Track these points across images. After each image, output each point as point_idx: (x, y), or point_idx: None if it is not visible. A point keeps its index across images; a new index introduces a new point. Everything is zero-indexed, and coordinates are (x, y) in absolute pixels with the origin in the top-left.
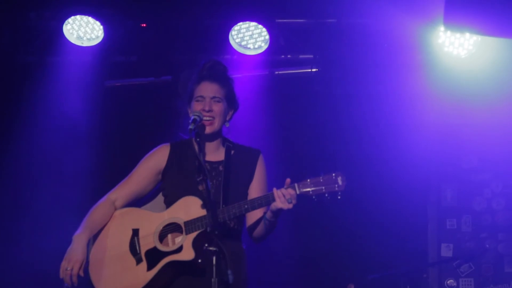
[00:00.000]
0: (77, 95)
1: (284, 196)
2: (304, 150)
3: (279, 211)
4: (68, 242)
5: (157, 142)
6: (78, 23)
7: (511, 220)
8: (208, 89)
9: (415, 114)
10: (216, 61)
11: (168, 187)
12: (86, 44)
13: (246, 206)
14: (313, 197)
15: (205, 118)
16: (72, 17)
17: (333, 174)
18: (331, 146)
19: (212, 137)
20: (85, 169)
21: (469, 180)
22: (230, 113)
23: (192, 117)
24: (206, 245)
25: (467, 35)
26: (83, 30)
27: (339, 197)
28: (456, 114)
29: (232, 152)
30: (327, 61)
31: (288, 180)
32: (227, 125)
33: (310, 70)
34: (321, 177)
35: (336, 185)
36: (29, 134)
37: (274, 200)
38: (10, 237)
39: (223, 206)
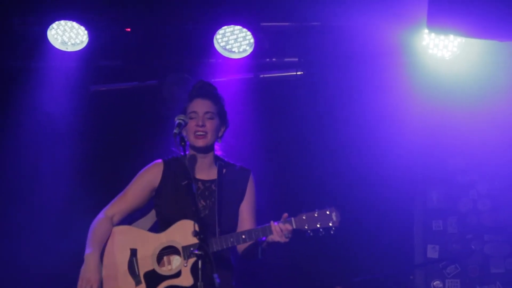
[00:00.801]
0: (62, 100)
1: (281, 230)
2: (290, 154)
3: (276, 243)
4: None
5: (143, 147)
6: (62, 28)
7: (497, 221)
8: (200, 105)
9: (400, 116)
10: (206, 82)
11: (162, 205)
12: (70, 49)
13: (243, 237)
14: (309, 231)
15: (198, 133)
16: (57, 22)
17: (327, 211)
18: (316, 150)
19: (205, 152)
20: (71, 174)
21: (455, 181)
22: (222, 129)
23: (177, 121)
24: (191, 248)
25: (451, 37)
26: (68, 35)
27: (332, 233)
28: (441, 116)
29: (224, 170)
30: (312, 64)
31: (285, 214)
32: (219, 141)
33: (295, 73)
34: (316, 212)
35: (331, 222)
36: (14, 139)
37: (271, 233)
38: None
39: (219, 229)
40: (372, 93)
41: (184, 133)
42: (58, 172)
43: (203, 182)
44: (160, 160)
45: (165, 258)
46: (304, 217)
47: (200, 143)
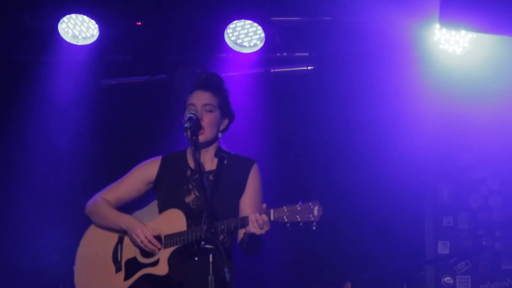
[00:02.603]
0: (73, 94)
1: (257, 221)
2: (299, 149)
3: (253, 235)
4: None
5: (153, 141)
6: (73, 22)
7: (508, 218)
8: (199, 97)
9: (411, 112)
10: (212, 73)
11: (160, 198)
12: (81, 42)
13: (222, 227)
14: (287, 224)
15: None
16: (67, 16)
17: (310, 204)
18: (326, 145)
19: (206, 146)
20: (81, 168)
21: (466, 177)
22: (225, 123)
23: (188, 115)
24: (202, 242)
25: (463, 32)
26: (78, 29)
27: (314, 228)
28: (452, 112)
29: (226, 162)
30: (322, 59)
31: (264, 205)
32: (220, 135)
33: (305, 68)
34: (298, 205)
35: (311, 216)
36: (24, 133)
37: (248, 223)
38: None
39: (206, 220)
40: (382, 88)
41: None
42: (68, 165)
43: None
44: (159, 156)
45: None
46: (285, 209)
47: (199, 138)
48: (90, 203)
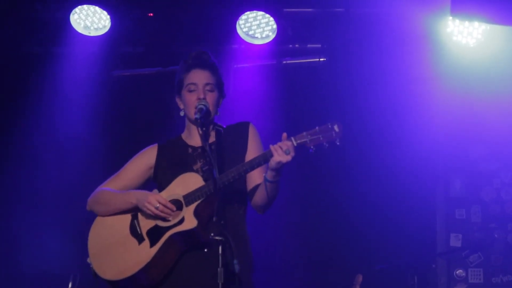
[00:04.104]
0: (85, 85)
1: (281, 148)
2: None
3: (278, 165)
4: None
5: (165, 132)
6: (85, 13)
7: None
8: (200, 76)
9: (423, 104)
10: (204, 51)
11: (163, 180)
12: (93, 33)
13: (244, 168)
14: (312, 146)
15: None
16: (79, 6)
17: (329, 124)
18: None
19: (206, 124)
20: (93, 159)
21: (478, 170)
22: (220, 101)
23: (199, 106)
24: (212, 234)
25: (476, 24)
26: (90, 20)
27: (338, 143)
28: (465, 103)
29: (223, 132)
30: (335, 51)
31: (284, 134)
32: (218, 113)
33: (318, 59)
34: (317, 128)
35: (333, 132)
36: (36, 124)
37: (272, 155)
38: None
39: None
40: (395, 80)
41: (181, 107)
42: (77, 159)
43: (202, 148)
44: (155, 144)
45: None
46: (304, 134)
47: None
48: (91, 196)
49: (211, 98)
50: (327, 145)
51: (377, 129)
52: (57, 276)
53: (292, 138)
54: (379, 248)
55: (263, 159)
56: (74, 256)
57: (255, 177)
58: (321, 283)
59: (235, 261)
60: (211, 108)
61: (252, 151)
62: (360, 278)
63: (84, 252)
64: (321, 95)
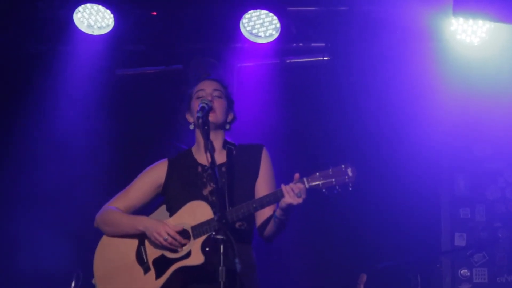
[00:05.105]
0: (88, 84)
1: (293, 190)
2: (315, 140)
3: (289, 207)
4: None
5: (168, 131)
6: (88, 12)
7: None
8: (208, 84)
9: (427, 103)
10: (211, 62)
11: (172, 200)
12: (96, 32)
13: (254, 205)
14: (323, 190)
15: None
16: (83, 5)
17: (343, 166)
18: (342, 136)
19: (214, 128)
20: (95, 158)
21: (483, 169)
22: (230, 116)
23: (201, 105)
24: (213, 233)
25: (480, 22)
26: (94, 19)
27: (350, 189)
28: (469, 102)
29: (234, 152)
30: (338, 50)
31: (297, 175)
32: (228, 127)
33: (321, 58)
34: (330, 170)
35: (347, 177)
36: (38, 123)
37: (283, 196)
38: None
39: (230, 207)
40: (399, 79)
41: (190, 121)
42: (82, 156)
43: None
44: (165, 159)
45: None
46: (317, 175)
47: (210, 118)
48: (100, 214)
49: (219, 104)
50: (339, 189)
51: (381, 127)
52: (57, 276)
53: (305, 180)
54: (384, 247)
55: (274, 198)
56: (74, 256)
57: (265, 210)
58: (326, 282)
59: (237, 260)
60: (218, 113)
61: (263, 178)
62: (364, 277)
63: (84, 252)
64: (324, 94)
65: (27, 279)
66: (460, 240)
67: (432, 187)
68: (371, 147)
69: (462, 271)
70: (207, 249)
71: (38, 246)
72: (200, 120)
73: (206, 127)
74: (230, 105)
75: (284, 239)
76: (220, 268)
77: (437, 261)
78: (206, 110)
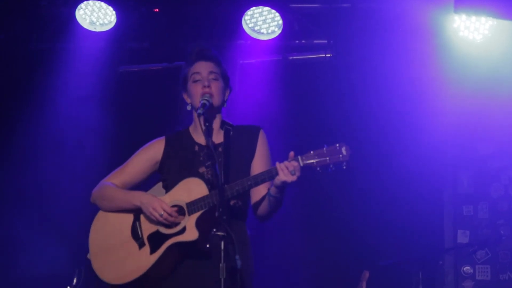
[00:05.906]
0: (91, 81)
1: (287, 168)
2: (317, 137)
3: (283, 184)
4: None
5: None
6: (90, 8)
7: None
8: (203, 66)
9: (430, 100)
10: (204, 46)
11: (167, 178)
12: (99, 29)
13: (249, 183)
14: (318, 168)
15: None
16: (85, 2)
17: (337, 145)
18: (345, 132)
19: (212, 116)
20: (98, 155)
21: (486, 166)
22: (227, 93)
23: (202, 102)
24: (214, 229)
25: (483, 19)
26: (96, 15)
27: (344, 167)
28: (472, 100)
29: (231, 133)
30: (341, 46)
31: (291, 153)
32: (225, 105)
33: (324, 55)
34: (324, 149)
35: (341, 155)
36: (42, 121)
37: (277, 173)
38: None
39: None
40: (402, 76)
41: (188, 101)
42: (85, 153)
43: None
44: (162, 136)
45: None
46: (312, 153)
47: (212, 125)
48: (96, 189)
49: (215, 86)
50: (333, 168)
51: (384, 124)
52: (57, 276)
53: (299, 158)
54: (387, 244)
55: (268, 175)
56: (74, 257)
57: (260, 188)
58: (328, 279)
59: (237, 257)
60: (216, 97)
61: (259, 159)
62: (367, 274)
63: (84, 252)
64: (327, 91)
65: (26, 279)
66: (463, 237)
67: (435, 185)
68: (374, 144)
69: (464, 268)
70: (202, 225)
71: (35, 246)
72: (202, 117)
73: (207, 124)
74: (226, 83)
75: (287, 235)
76: (220, 264)
77: (440, 258)
78: (207, 107)
